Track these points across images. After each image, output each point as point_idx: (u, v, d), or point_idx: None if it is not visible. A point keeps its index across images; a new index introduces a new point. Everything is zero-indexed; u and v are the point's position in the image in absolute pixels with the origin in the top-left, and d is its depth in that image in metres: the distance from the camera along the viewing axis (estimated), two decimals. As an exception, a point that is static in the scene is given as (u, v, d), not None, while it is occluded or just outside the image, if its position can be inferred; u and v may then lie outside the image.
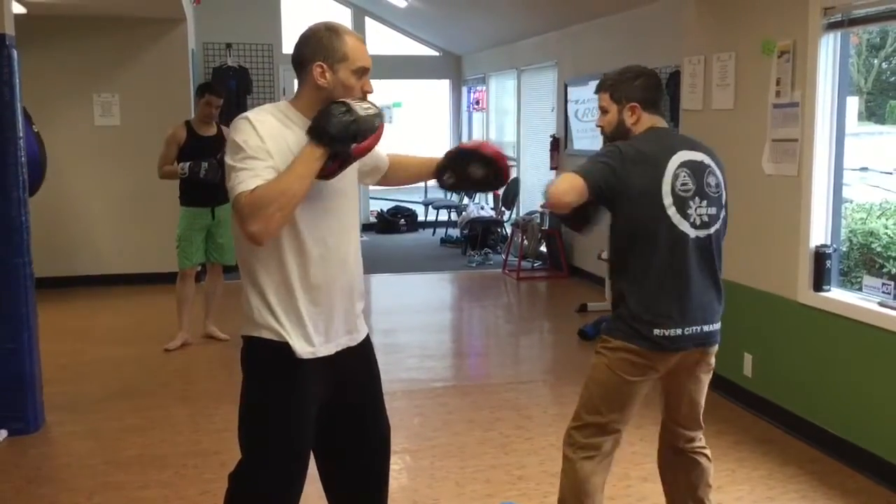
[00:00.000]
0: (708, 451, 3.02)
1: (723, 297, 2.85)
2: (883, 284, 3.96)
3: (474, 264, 9.67)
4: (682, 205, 2.69)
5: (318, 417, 2.44)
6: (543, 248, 9.18)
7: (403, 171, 2.74)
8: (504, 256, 9.52)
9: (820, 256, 4.22)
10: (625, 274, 2.75)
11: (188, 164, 5.77)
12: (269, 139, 2.22)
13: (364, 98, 2.32)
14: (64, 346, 6.08)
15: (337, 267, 2.38)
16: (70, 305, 7.51)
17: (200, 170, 5.76)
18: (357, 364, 2.52)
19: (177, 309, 6.16)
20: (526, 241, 8.91)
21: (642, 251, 2.70)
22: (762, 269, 4.64)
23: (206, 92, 5.99)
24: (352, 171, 2.43)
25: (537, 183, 9.88)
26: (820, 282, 4.22)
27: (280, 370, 2.35)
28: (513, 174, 10.66)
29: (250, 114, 2.29)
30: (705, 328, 2.77)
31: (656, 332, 2.68)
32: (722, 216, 2.81)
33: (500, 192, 10.52)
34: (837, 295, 4.17)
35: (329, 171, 2.24)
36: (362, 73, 2.32)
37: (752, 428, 4.52)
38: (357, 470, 2.58)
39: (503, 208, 10.22)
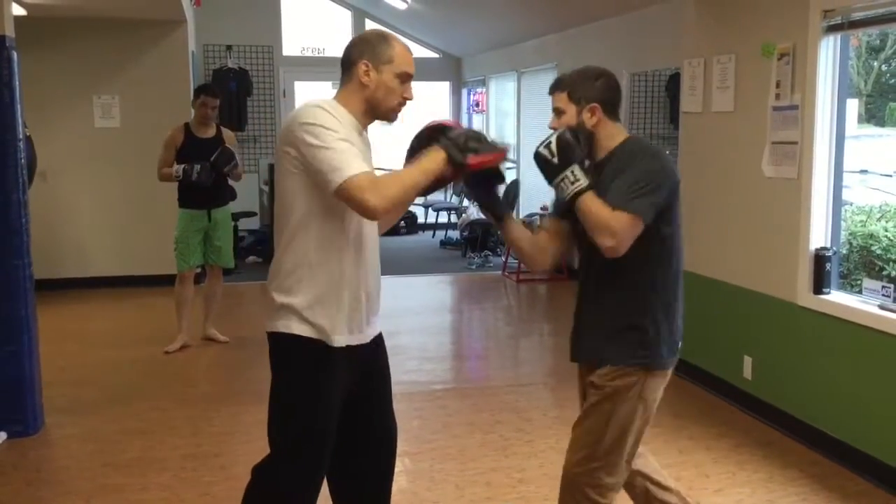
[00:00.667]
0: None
1: None
2: (883, 287, 3.96)
3: (474, 266, 9.67)
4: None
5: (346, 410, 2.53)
6: (543, 251, 9.17)
7: None
8: (504, 259, 9.52)
9: (820, 259, 4.22)
10: (654, 293, 2.57)
11: (182, 166, 5.79)
12: (343, 125, 2.35)
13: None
14: (64, 348, 6.08)
15: (373, 262, 2.54)
16: (70, 308, 7.51)
17: (193, 172, 5.77)
18: (373, 359, 2.60)
19: (176, 311, 6.16)
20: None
21: (669, 265, 2.58)
22: (762, 271, 4.63)
23: (201, 93, 6.01)
24: None
25: (537, 184, 9.86)
26: (820, 284, 4.21)
27: (311, 367, 2.43)
28: (513, 175, 10.68)
29: (321, 102, 2.38)
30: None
31: (680, 345, 2.62)
32: None
33: (501, 194, 10.52)
34: (837, 297, 4.17)
35: (444, 176, 2.39)
36: (405, 78, 2.45)
37: (752, 430, 4.52)
38: (362, 464, 2.63)
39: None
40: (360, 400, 2.57)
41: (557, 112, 2.65)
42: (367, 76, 2.40)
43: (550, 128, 2.67)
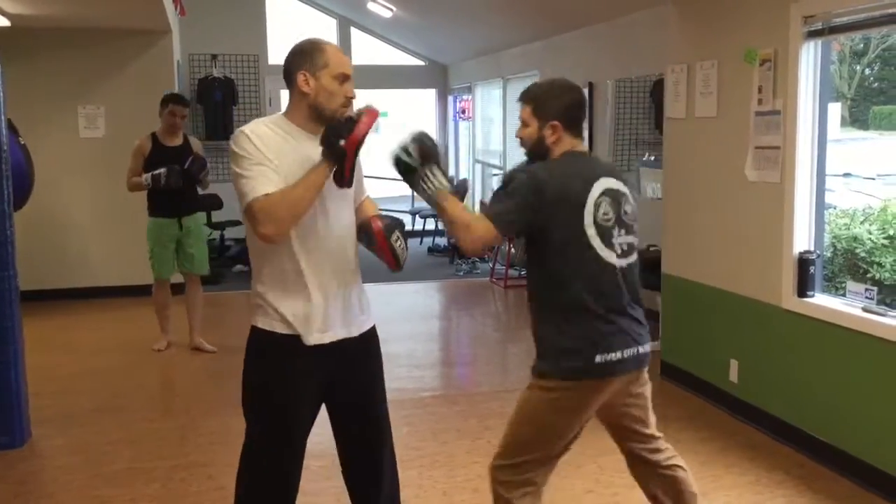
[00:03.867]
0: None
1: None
2: (866, 290, 3.99)
3: (462, 273, 9.68)
4: (605, 234, 2.63)
5: (329, 407, 2.70)
6: (530, 257, 9.19)
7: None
8: (491, 265, 9.53)
9: (804, 262, 4.25)
10: (548, 308, 2.67)
11: (149, 174, 5.80)
12: (266, 146, 2.46)
13: (349, 105, 2.55)
14: (50, 359, 6.05)
15: (331, 266, 2.59)
16: (56, 318, 7.47)
17: (161, 178, 5.77)
18: (353, 355, 2.68)
19: (157, 317, 6.24)
20: (513, 250, 8.92)
21: (570, 282, 2.61)
22: (747, 275, 4.66)
23: (170, 102, 6.03)
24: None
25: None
26: (804, 288, 4.24)
27: (270, 355, 2.59)
28: (499, 183, 10.68)
29: (246, 127, 2.53)
30: (640, 349, 2.74)
31: (598, 359, 2.62)
32: (636, 246, 2.76)
33: (487, 200, 10.56)
34: (821, 301, 4.20)
35: (339, 176, 2.47)
36: (343, 79, 2.54)
37: (738, 434, 4.54)
38: (352, 457, 2.77)
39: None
40: (343, 393, 2.68)
41: (523, 122, 2.76)
42: (307, 84, 2.51)
43: (517, 137, 2.81)
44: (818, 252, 4.28)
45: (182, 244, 6.09)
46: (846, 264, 4.45)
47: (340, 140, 2.42)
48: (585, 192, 2.62)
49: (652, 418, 2.90)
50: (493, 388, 5.55)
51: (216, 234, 10.03)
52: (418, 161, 2.59)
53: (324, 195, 2.51)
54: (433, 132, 12.92)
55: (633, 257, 2.74)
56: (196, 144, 6.18)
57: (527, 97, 2.76)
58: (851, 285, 4.13)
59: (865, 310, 3.90)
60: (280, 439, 2.63)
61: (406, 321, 7.48)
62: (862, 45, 5.35)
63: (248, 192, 2.41)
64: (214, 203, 9.96)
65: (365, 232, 2.64)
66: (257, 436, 2.65)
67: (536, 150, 2.75)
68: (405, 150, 2.60)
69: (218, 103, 10.55)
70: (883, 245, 4.30)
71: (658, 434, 2.93)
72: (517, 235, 2.63)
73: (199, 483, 3.96)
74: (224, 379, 5.68)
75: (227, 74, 10.72)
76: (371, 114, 2.46)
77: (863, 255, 4.35)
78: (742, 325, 4.71)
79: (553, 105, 2.70)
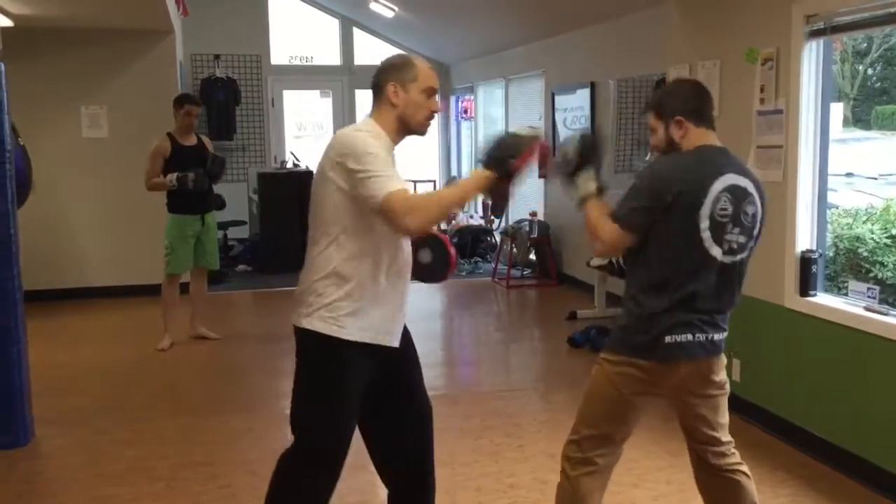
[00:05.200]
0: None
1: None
2: (868, 289, 3.99)
3: (464, 273, 9.68)
4: (717, 228, 2.66)
5: (376, 401, 2.77)
6: (533, 257, 9.20)
7: None
8: (493, 265, 9.54)
9: (806, 261, 4.25)
10: (643, 287, 2.71)
11: (175, 175, 5.88)
12: (381, 150, 2.55)
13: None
14: (53, 359, 6.06)
15: (402, 273, 2.73)
16: (58, 318, 7.47)
17: (188, 181, 5.90)
18: (402, 348, 2.82)
19: (163, 313, 6.30)
20: (515, 250, 8.92)
21: (665, 267, 2.66)
22: (749, 274, 4.64)
23: (185, 102, 6.12)
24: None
25: (526, 191, 9.90)
26: (806, 287, 4.24)
27: (336, 364, 2.63)
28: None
29: (358, 131, 2.61)
30: (712, 336, 2.85)
31: (667, 339, 2.70)
32: (750, 246, 2.78)
33: (489, 201, 10.55)
34: (824, 300, 4.20)
35: (501, 191, 2.60)
36: (430, 93, 2.67)
37: (740, 433, 4.49)
38: (404, 439, 2.87)
39: (492, 217, 10.24)
40: (393, 384, 2.80)
41: (652, 130, 2.81)
42: (397, 96, 2.62)
43: (651, 147, 2.89)
44: (820, 251, 4.28)
45: (201, 240, 6.25)
46: (848, 264, 4.44)
47: (511, 159, 2.51)
48: (706, 187, 2.63)
49: (723, 421, 2.91)
50: (495, 387, 5.55)
51: (220, 233, 10.04)
52: (574, 163, 2.78)
53: None
54: (435, 131, 12.91)
55: (741, 256, 2.75)
56: (208, 143, 6.38)
57: (649, 105, 2.85)
58: (854, 284, 4.14)
59: (868, 309, 3.90)
60: (345, 447, 2.69)
61: (408, 321, 7.44)
62: (865, 45, 5.34)
63: (381, 188, 2.43)
64: (218, 203, 9.98)
65: (424, 239, 2.76)
66: (324, 443, 2.67)
67: (669, 152, 2.77)
68: (570, 145, 2.81)
69: (221, 103, 10.57)
70: (885, 244, 4.30)
71: (727, 439, 2.92)
72: (643, 233, 2.65)
73: (202, 482, 3.97)
74: (226, 378, 5.70)
75: (229, 74, 10.74)
76: (538, 146, 2.57)
77: (865, 254, 4.34)
78: (744, 323, 4.69)
79: (672, 101, 2.76)
